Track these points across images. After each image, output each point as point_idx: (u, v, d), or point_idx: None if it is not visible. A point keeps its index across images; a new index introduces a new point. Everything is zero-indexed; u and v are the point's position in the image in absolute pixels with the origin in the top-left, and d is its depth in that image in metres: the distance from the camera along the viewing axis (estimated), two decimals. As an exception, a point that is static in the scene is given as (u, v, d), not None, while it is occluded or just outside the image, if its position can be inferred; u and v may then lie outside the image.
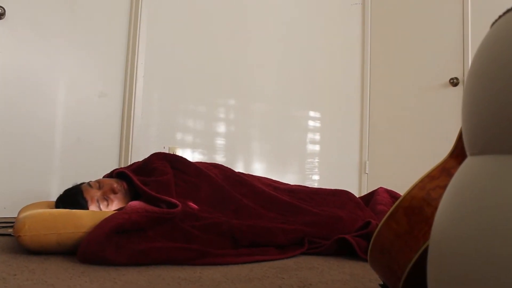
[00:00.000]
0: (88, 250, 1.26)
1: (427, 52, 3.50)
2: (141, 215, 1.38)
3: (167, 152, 2.63)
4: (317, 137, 3.64)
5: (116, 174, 1.80)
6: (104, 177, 1.85)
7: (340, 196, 2.05)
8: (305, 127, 3.58)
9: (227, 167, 2.05)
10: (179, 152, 2.75)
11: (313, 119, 3.64)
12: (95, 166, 2.44)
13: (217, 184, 1.82)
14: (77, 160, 2.44)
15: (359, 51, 3.98)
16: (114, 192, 1.65)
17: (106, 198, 1.64)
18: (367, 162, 3.85)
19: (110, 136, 2.59)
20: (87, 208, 1.60)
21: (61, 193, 1.71)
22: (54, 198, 1.84)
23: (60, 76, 2.43)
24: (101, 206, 1.63)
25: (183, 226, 1.46)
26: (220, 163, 2.90)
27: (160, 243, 1.35)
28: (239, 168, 3.05)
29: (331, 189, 2.13)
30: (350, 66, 3.94)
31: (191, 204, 1.66)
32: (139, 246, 1.30)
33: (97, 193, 1.64)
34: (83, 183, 1.72)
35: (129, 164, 2.48)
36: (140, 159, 2.01)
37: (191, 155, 2.83)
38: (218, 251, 1.40)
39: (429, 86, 3.45)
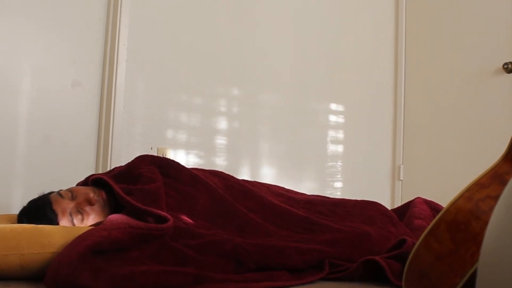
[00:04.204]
0: (58, 275, 1.26)
1: (475, 31, 3.48)
2: (124, 231, 1.38)
3: (155, 154, 2.65)
4: (341, 135, 3.64)
5: (93, 181, 1.81)
6: (77, 185, 1.86)
7: (368, 209, 2.05)
8: (325, 123, 3.58)
9: (229, 175, 2.05)
10: (170, 155, 2.76)
11: (336, 113, 3.63)
12: (67, 171, 2.44)
13: (217, 195, 1.82)
14: (44, 164, 2.45)
15: (391, 30, 3.97)
16: (90, 203, 1.66)
17: (80, 211, 1.65)
18: (402, 166, 3.85)
19: (85, 135, 2.60)
20: (57, 223, 1.60)
21: (25, 204, 1.71)
22: (16, 210, 1.85)
23: (23, 60, 2.44)
24: (75, 221, 1.63)
25: (175, 245, 1.47)
26: (220, 167, 2.91)
27: (146, 265, 1.35)
28: (244, 173, 3.06)
29: (357, 200, 2.13)
30: (380, 48, 3.93)
31: (185, 218, 1.66)
32: (121, 270, 1.30)
33: (69, 205, 1.65)
34: (52, 192, 1.73)
35: (108, 169, 2.49)
36: (123, 163, 2.02)
37: (185, 158, 2.84)
38: (218, 276, 1.40)
39: (478, 73, 3.44)
